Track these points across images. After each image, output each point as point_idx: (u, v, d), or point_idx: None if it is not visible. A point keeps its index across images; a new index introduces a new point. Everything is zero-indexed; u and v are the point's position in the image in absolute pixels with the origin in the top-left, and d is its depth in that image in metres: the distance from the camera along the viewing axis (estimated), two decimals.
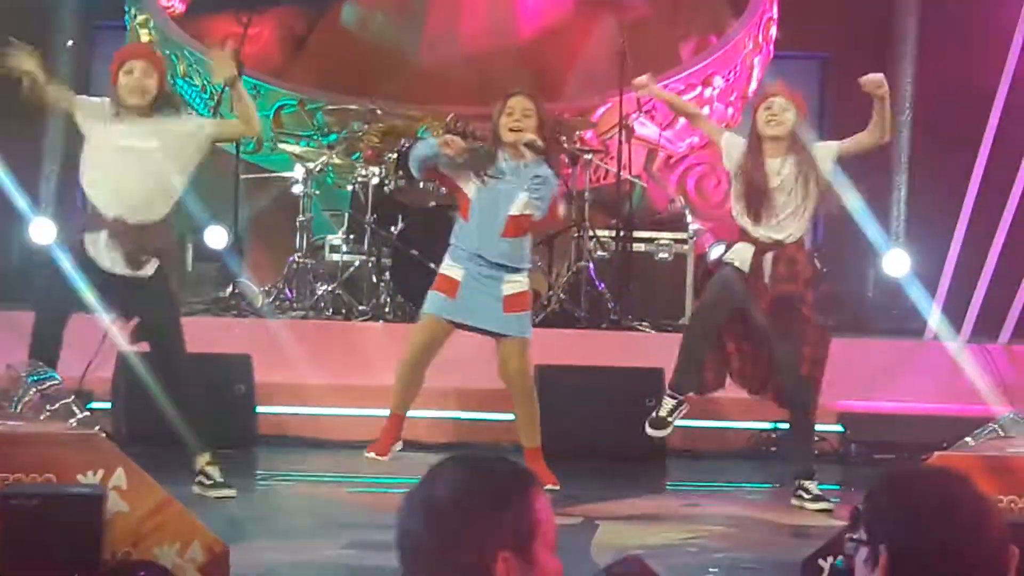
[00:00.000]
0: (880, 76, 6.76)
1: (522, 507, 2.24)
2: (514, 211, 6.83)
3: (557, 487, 7.01)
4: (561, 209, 7.07)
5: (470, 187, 6.88)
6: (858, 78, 6.71)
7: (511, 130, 6.88)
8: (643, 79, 7.21)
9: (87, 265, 6.51)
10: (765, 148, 6.85)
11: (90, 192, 6.58)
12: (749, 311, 6.87)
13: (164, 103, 6.62)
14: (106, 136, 6.50)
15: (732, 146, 6.96)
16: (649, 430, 7.02)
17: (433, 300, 6.96)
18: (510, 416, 7.80)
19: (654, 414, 7.02)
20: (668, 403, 7.01)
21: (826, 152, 6.88)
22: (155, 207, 6.53)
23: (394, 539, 2.29)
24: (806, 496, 6.90)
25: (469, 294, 6.87)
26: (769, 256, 6.83)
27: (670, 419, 6.99)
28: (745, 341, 7.00)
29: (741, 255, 6.86)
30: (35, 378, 5.48)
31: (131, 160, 6.46)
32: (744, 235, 6.91)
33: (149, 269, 6.53)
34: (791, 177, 6.81)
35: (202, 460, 6.68)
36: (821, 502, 6.86)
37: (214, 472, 6.67)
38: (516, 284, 6.91)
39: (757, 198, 6.80)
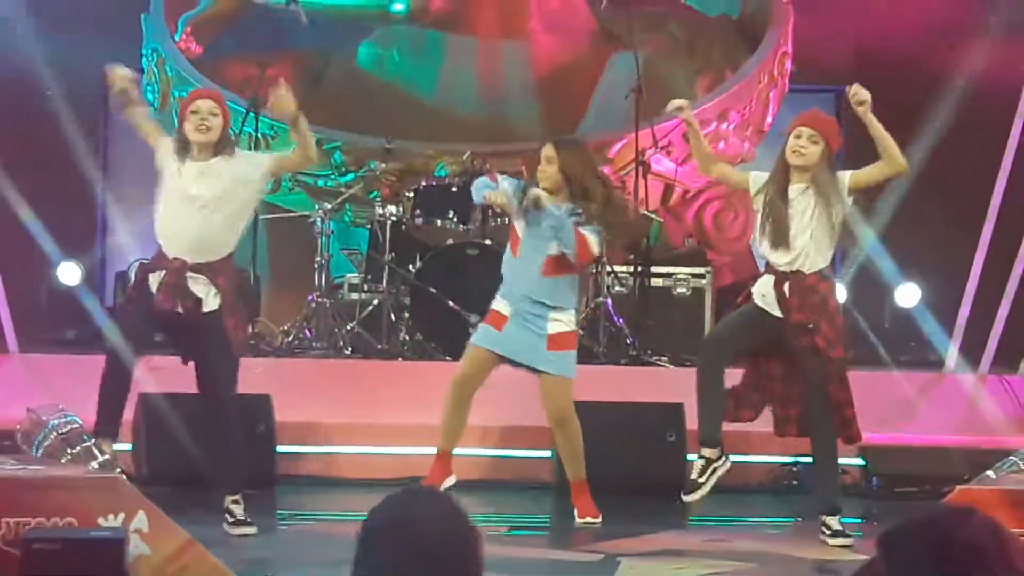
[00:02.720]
0: (857, 89, 6.70)
1: None
2: (552, 251, 7.01)
3: (598, 520, 7.15)
4: (594, 247, 7.07)
5: (520, 224, 7.08)
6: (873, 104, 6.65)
7: (538, 179, 7.14)
8: (681, 101, 7.08)
9: (147, 302, 6.60)
10: (790, 175, 6.84)
11: (158, 233, 6.72)
12: (777, 347, 6.85)
13: (226, 144, 6.73)
14: (174, 182, 6.65)
15: (759, 181, 6.93)
16: (684, 497, 6.92)
17: (480, 332, 7.20)
18: (535, 453, 7.84)
19: (690, 477, 6.92)
20: (698, 463, 6.89)
21: (844, 181, 6.85)
22: (217, 248, 6.65)
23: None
24: (826, 532, 6.88)
25: (515, 330, 7.04)
26: (786, 286, 6.79)
27: (702, 480, 6.88)
28: (778, 381, 6.97)
29: (763, 288, 6.85)
30: (56, 421, 5.51)
31: (194, 208, 6.59)
32: (767, 267, 6.89)
33: (206, 306, 6.60)
34: (810, 204, 6.74)
35: (229, 498, 6.75)
36: (840, 538, 6.82)
37: (237, 509, 6.72)
38: (560, 323, 7.08)
39: (776, 222, 6.76)
